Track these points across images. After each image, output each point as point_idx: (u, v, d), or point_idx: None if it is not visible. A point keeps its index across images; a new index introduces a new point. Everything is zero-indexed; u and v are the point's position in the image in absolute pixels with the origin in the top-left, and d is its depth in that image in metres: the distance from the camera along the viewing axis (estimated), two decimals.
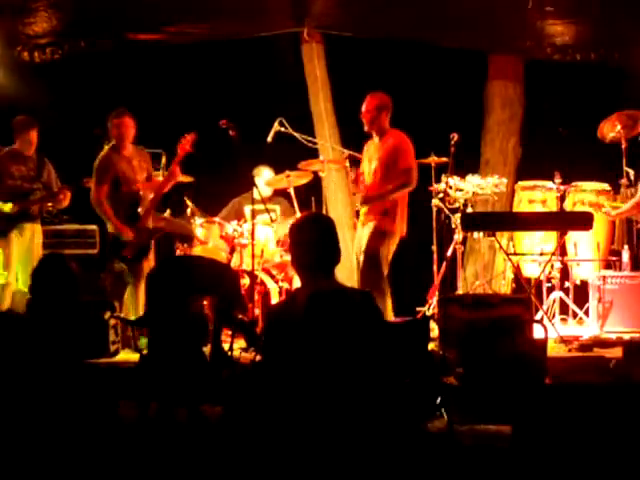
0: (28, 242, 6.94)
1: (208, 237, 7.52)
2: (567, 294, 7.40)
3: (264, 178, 7.88)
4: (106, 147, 6.78)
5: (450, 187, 7.29)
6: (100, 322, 6.42)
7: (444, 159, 7.42)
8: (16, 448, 3.80)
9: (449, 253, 7.44)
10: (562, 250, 7.44)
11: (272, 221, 7.54)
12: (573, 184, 7.54)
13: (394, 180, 6.41)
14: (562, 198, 7.50)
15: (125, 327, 6.29)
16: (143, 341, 5.55)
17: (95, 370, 4.72)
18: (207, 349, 5.06)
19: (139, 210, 6.70)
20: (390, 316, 6.40)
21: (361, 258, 6.45)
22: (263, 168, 7.93)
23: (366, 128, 6.60)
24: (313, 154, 7.92)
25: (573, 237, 7.45)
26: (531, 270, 7.61)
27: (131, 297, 6.63)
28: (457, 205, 7.34)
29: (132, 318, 6.33)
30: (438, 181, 7.42)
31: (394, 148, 6.44)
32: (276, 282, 7.33)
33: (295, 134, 7.60)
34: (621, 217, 7.26)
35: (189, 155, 6.72)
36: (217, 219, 7.70)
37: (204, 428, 4.57)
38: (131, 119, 6.70)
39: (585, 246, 7.51)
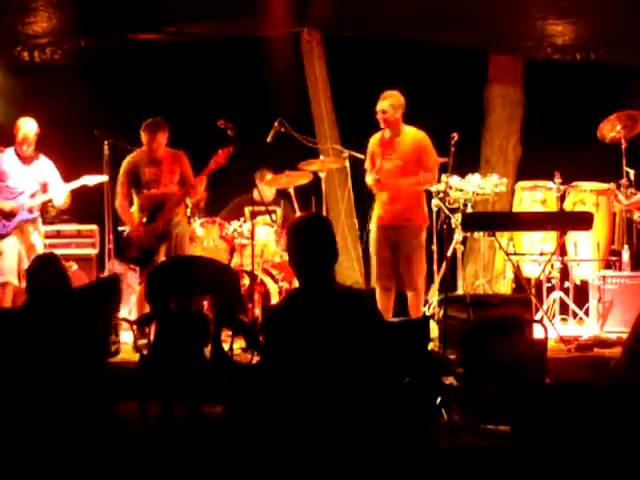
0: (28, 242, 6.94)
1: (208, 237, 7.51)
2: (567, 294, 7.40)
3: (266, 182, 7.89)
4: (138, 150, 6.84)
5: (450, 187, 7.29)
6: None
7: (444, 159, 7.42)
8: (16, 447, 3.80)
9: (449, 253, 7.44)
10: (562, 250, 7.44)
11: (273, 222, 7.54)
12: (573, 184, 7.54)
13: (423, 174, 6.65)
14: (562, 198, 7.50)
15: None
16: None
17: (96, 370, 4.72)
18: (207, 349, 5.06)
19: (158, 213, 6.70)
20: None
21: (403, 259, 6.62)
22: (267, 173, 7.94)
23: (384, 126, 6.68)
24: (313, 154, 7.92)
25: (573, 237, 7.45)
26: (531, 270, 7.62)
27: (139, 300, 6.67)
28: (457, 205, 7.34)
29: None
30: (438, 181, 7.42)
31: (422, 146, 6.65)
32: (276, 282, 7.33)
33: (295, 134, 7.60)
34: (630, 207, 7.23)
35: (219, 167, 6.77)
36: (217, 219, 7.70)
37: (204, 428, 4.57)
38: (166, 132, 6.75)
39: (585, 246, 7.51)
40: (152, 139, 6.70)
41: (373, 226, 6.81)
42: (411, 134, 6.68)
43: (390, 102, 6.58)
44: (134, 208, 6.84)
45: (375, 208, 6.81)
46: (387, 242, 6.67)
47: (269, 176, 7.93)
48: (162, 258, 6.65)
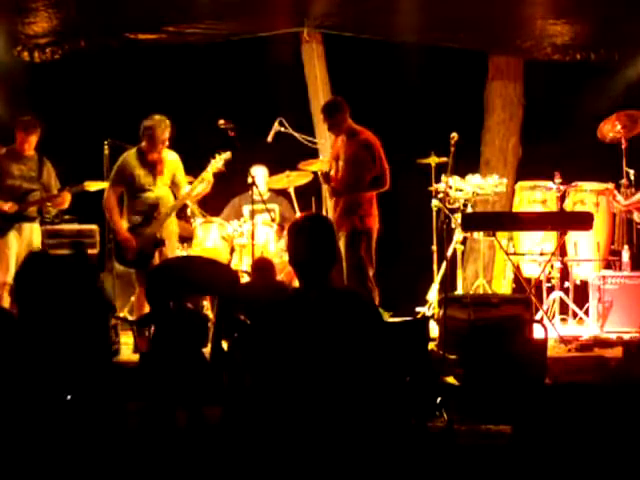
0: (27, 242, 6.93)
1: (208, 237, 7.51)
2: (567, 294, 7.40)
3: (260, 178, 7.87)
4: (132, 150, 6.71)
5: (450, 187, 7.29)
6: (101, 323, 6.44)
7: (444, 159, 7.42)
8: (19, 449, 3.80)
9: (449, 253, 7.44)
10: (562, 250, 7.43)
11: (272, 220, 7.53)
12: (573, 184, 7.54)
13: (366, 180, 6.58)
14: (562, 198, 7.50)
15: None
16: None
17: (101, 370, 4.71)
18: (207, 349, 5.06)
19: (154, 216, 6.65)
20: None
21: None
22: (258, 167, 7.92)
23: (335, 135, 6.82)
24: (313, 154, 7.92)
25: (573, 237, 7.45)
26: (531, 270, 7.61)
27: (138, 302, 6.65)
28: (457, 205, 7.34)
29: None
30: (438, 181, 7.42)
31: (368, 149, 6.58)
32: None
33: (295, 134, 7.60)
34: (629, 208, 7.24)
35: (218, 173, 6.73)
36: (219, 219, 7.69)
37: (204, 429, 4.57)
38: (169, 130, 6.59)
39: (585, 246, 7.51)
40: (161, 134, 6.54)
41: None
42: (358, 136, 6.65)
43: (331, 113, 6.67)
44: (125, 212, 6.74)
45: None
46: None
47: (260, 168, 7.86)
48: (157, 259, 6.62)
